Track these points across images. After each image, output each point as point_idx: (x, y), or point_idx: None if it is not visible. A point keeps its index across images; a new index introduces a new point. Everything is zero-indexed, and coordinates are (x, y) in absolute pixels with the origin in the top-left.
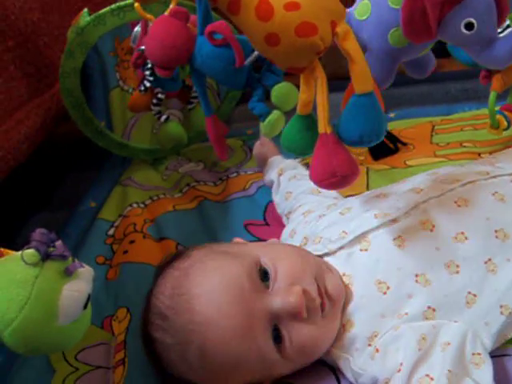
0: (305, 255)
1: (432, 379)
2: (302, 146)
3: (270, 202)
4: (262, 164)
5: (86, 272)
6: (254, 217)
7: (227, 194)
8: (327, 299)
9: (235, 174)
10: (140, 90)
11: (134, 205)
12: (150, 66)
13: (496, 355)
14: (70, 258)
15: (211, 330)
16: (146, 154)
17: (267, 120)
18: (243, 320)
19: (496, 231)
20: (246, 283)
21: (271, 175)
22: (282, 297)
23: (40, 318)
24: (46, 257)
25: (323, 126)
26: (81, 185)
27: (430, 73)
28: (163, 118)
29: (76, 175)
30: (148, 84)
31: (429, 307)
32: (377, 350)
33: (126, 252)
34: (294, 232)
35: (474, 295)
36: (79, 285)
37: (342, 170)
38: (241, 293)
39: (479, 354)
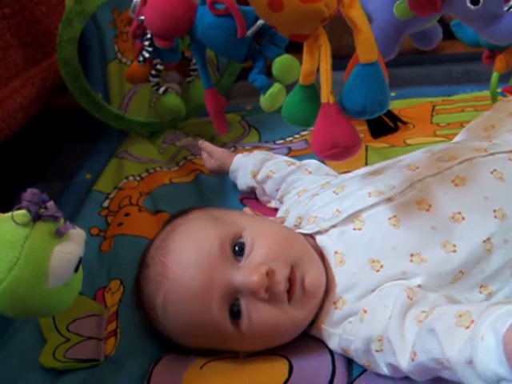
0: (290, 239)
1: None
2: (303, 117)
3: None
4: (224, 172)
5: (77, 234)
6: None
7: None
8: (301, 290)
9: (233, 149)
10: (138, 61)
11: (130, 177)
12: (149, 36)
13: None
14: (62, 220)
15: (174, 287)
16: (143, 127)
17: (268, 93)
18: (202, 285)
19: (495, 211)
20: (216, 251)
21: (246, 181)
22: (245, 273)
23: (30, 279)
24: (37, 217)
25: (326, 96)
26: (76, 157)
27: (436, 45)
28: (161, 89)
29: (72, 148)
30: (147, 55)
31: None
32: (365, 311)
33: (120, 224)
34: (288, 212)
35: (462, 273)
36: (71, 247)
37: (344, 141)
38: (208, 258)
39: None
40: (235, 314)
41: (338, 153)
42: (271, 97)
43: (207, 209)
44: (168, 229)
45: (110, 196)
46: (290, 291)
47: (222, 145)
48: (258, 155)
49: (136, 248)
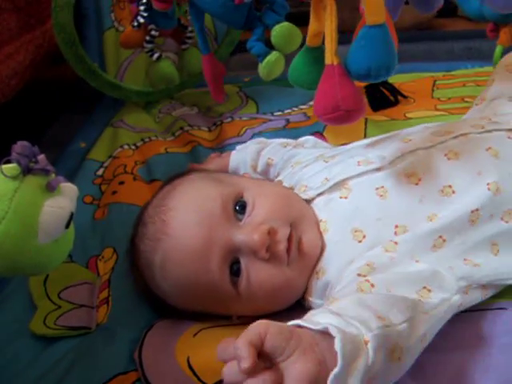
0: (290, 200)
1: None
2: (310, 79)
3: None
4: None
5: (69, 188)
6: None
7: (221, 140)
8: (297, 250)
9: (230, 120)
10: (133, 26)
11: (125, 146)
12: (144, 0)
13: (491, 308)
14: (53, 174)
15: (173, 244)
16: (139, 97)
17: (265, 61)
18: (203, 243)
19: (488, 184)
20: (217, 209)
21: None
22: (247, 232)
23: (18, 234)
24: (27, 171)
25: (330, 57)
26: (72, 126)
27: (436, 9)
28: (155, 56)
29: (67, 117)
30: (141, 20)
31: (390, 240)
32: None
33: (114, 193)
34: (281, 182)
35: (444, 240)
36: (61, 201)
37: (347, 103)
38: (209, 216)
39: (430, 290)
40: (235, 272)
41: (339, 116)
42: (268, 65)
43: (206, 171)
44: (167, 189)
45: (105, 164)
46: (288, 251)
47: (219, 115)
48: (252, 147)
49: (130, 216)
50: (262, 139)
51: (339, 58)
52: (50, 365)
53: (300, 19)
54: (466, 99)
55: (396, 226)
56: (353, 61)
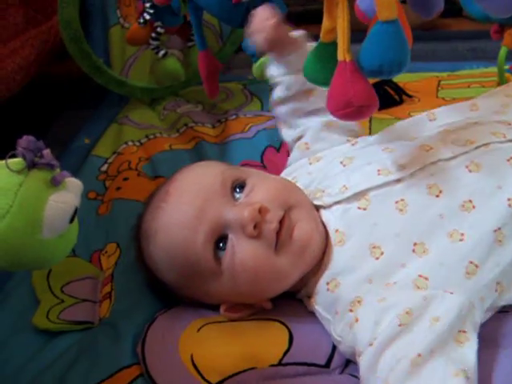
0: (291, 188)
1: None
2: (324, 75)
3: (269, 146)
4: (278, 52)
5: (74, 183)
6: (251, 158)
7: (225, 135)
8: (288, 236)
9: (234, 117)
10: (139, 23)
11: (130, 143)
12: None
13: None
14: (58, 169)
15: (169, 211)
16: (144, 93)
17: (258, 62)
18: (194, 212)
19: (509, 199)
20: (217, 185)
21: (292, 85)
22: (238, 208)
23: (23, 228)
24: (32, 165)
25: (342, 53)
26: (76, 122)
27: (435, 14)
28: (161, 53)
29: (72, 113)
30: (148, 17)
31: (420, 276)
32: (356, 320)
33: (119, 188)
34: (296, 181)
35: (476, 266)
36: (66, 196)
37: (359, 99)
38: (206, 190)
39: (465, 331)
40: (220, 247)
41: (351, 112)
42: (261, 66)
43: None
44: (175, 173)
45: (109, 160)
46: (278, 234)
47: (224, 112)
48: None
49: (133, 212)
50: None
51: (352, 54)
52: (52, 359)
53: (306, 18)
54: None
55: (414, 244)
56: (365, 57)
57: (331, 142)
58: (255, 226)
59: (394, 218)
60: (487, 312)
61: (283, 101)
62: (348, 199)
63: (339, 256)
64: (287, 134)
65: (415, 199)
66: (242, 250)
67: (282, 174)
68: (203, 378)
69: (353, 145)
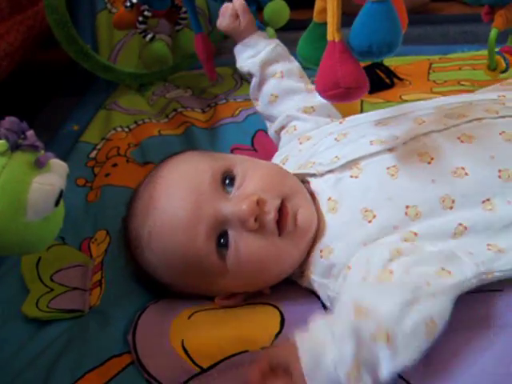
0: (284, 175)
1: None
2: (316, 55)
3: (259, 129)
4: (233, 37)
5: (59, 165)
6: (241, 142)
7: (215, 120)
8: (293, 224)
9: (224, 101)
10: (126, 6)
11: (118, 128)
12: None
13: (489, 289)
14: (42, 151)
15: (160, 217)
16: (132, 79)
17: None
18: (190, 214)
19: (500, 171)
20: (206, 181)
21: (249, 64)
22: (235, 203)
23: (6, 211)
24: (15, 147)
25: (331, 33)
26: (64, 109)
27: None
28: (149, 36)
29: (60, 100)
30: (134, 0)
31: (411, 231)
32: (348, 268)
33: (107, 175)
34: (287, 159)
35: (465, 228)
36: (51, 178)
37: (347, 81)
38: (197, 187)
39: (450, 272)
40: (222, 245)
41: (339, 93)
42: None
43: (199, 150)
44: (158, 166)
45: (98, 147)
46: (282, 223)
47: (213, 97)
48: (277, 46)
49: (123, 199)
50: (285, 48)
51: (342, 34)
52: (42, 348)
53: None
54: (462, 82)
55: (407, 207)
56: (354, 37)
57: (317, 123)
58: (255, 219)
59: (386, 183)
60: (482, 276)
61: (257, 89)
62: (340, 168)
63: (331, 224)
64: (271, 129)
65: (407, 165)
66: (246, 245)
67: (274, 157)
68: (194, 363)
69: (340, 123)
